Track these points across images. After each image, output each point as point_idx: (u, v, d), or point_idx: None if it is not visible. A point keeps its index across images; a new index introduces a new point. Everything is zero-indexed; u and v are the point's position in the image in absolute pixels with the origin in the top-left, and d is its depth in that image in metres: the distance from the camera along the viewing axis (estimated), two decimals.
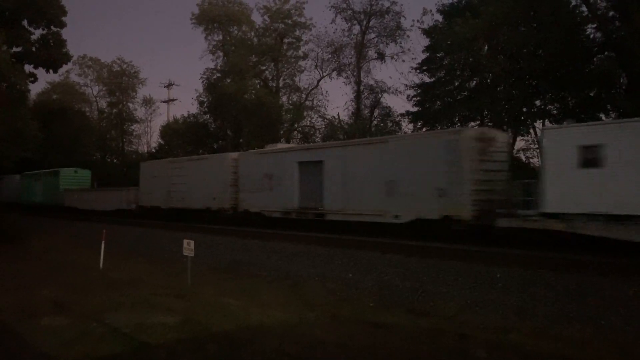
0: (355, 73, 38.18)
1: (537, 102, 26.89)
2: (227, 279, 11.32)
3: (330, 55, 39.30)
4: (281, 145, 24.61)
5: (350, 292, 9.84)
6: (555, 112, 26.40)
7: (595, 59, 24.26)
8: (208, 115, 44.66)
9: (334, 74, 39.69)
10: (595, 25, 23.87)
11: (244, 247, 16.18)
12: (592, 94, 24.38)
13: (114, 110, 57.92)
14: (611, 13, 23.27)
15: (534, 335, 6.75)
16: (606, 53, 23.90)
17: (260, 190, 21.29)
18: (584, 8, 24.00)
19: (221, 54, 43.56)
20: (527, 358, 6.01)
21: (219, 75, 42.39)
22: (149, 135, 61.66)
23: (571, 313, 7.87)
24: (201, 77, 43.93)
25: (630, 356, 6.04)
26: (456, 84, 31.18)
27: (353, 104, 38.34)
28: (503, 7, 23.96)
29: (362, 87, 38.11)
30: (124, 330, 7.11)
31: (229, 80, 39.36)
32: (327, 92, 60.18)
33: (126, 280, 10.90)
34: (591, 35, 24.48)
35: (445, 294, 9.41)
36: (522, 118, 27.57)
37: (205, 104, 43.98)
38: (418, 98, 33.32)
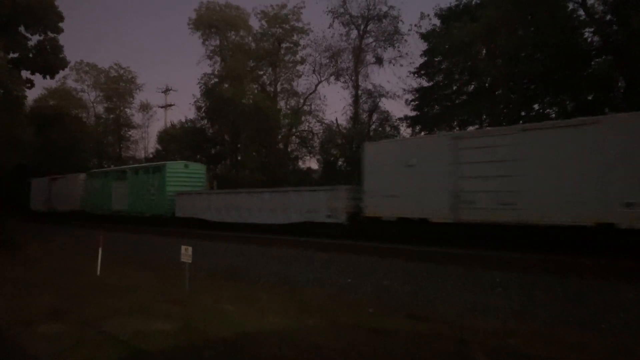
0: (353, 77, 38.24)
1: (536, 106, 26.99)
2: (226, 285, 11.26)
3: (328, 60, 39.38)
4: None
5: (349, 297, 9.78)
6: (553, 115, 26.45)
7: (593, 63, 24.32)
8: (205, 121, 44.67)
9: (332, 78, 39.78)
10: (592, 28, 23.96)
11: (243, 253, 16.13)
12: (590, 98, 24.42)
13: (111, 115, 57.94)
14: (608, 17, 23.37)
15: (534, 339, 6.70)
16: (604, 57, 23.96)
17: None
18: (582, 12, 24.09)
19: (219, 59, 43.68)
20: None
21: (216, 80, 42.42)
22: (146, 140, 61.68)
23: (571, 316, 7.84)
24: (199, 82, 43.98)
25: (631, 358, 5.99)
26: (454, 88, 31.29)
27: (351, 108, 38.40)
28: (500, 11, 24.04)
29: (360, 92, 38.16)
30: (122, 338, 7.04)
31: (226, 85, 39.40)
32: (325, 96, 60.34)
33: (124, 287, 10.82)
34: (589, 39, 24.57)
35: (444, 299, 9.36)
36: (521, 122, 27.62)
37: (202, 109, 44.00)
38: (416, 102, 33.41)
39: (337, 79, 39.39)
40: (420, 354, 6.35)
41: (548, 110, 26.75)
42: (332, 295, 9.92)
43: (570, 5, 24.44)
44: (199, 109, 44.51)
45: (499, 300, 9.05)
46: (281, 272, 12.79)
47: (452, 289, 10.04)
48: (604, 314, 7.92)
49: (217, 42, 43.96)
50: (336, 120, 39.88)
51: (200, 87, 43.68)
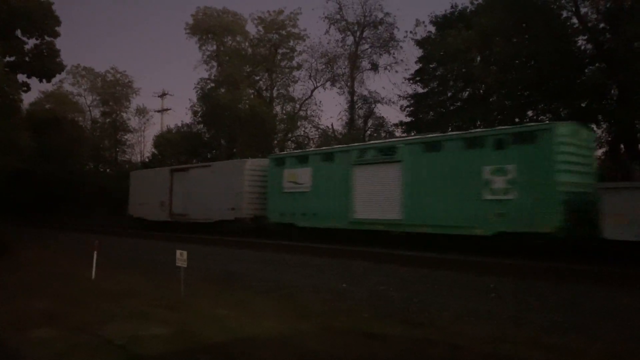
0: (348, 83, 38.50)
1: (530, 113, 27.17)
2: (221, 290, 11.26)
3: (324, 66, 39.70)
4: None
5: (344, 302, 9.81)
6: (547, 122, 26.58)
7: (586, 70, 24.54)
8: (202, 125, 44.70)
9: (328, 84, 40.12)
10: (586, 36, 24.17)
11: (238, 258, 16.15)
12: (583, 105, 24.62)
13: (108, 119, 57.88)
14: (602, 25, 23.59)
15: (528, 345, 6.74)
16: (597, 64, 24.17)
17: None
18: (575, 20, 24.32)
19: (215, 64, 43.81)
20: None
21: (212, 85, 42.50)
22: (142, 144, 61.55)
23: (566, 323, 7.89)
24: (195, 87, 44.06)
25: None
26: (449, 94, 31.49)
27: (347, 114, 38.59)
28: (495, 19, 24.23)
29: (355, 98, 38.42)
30: (117, 342, 7.04)
31: (223, 90, 39.47)
32: (320, 102, 60.55)
33: (119, 292, 10.81)
34: (582, 47, 24.80)
35: (439, 304, 9.40)
36: None
37: (199, 114, 44.03)
38: (411, 108, 33.59)
39: (333, 84, 39.71)
40: (414, 359, 6.39)
41: (542, 117, 26.94)
42: (327, 300, 9.95)
43: (564, 13, 24.70)
44: (195, 113, 44.56)
45: (493, 306, 9.10)
46: (277, 277, 12.81)
47: (446, 295, 10.09)
48: (598, 320, 7.98)
49: (214, 47, 44.12)
50: (332, 125, 40.13)
51: (196, 92, 43.78)
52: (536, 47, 23.75)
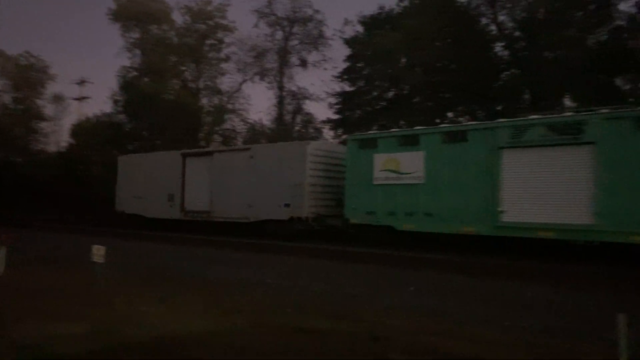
0: (277, 78, 38.47)
1: (450, 114, 28.38)
2: (145, 287, 10.97)
3: (252, 59, 39.35)
4: None
5: (271, 298, 9.87)
6: None
7: (502, 75, 25.97)
8: (123, 115, 43.03)
9: (257, 78, 39.78)
10: (503, 43, 25.59)
11: (163, 253, 15.82)
12: (499, 108, 26.06)
13: (20, 106, 54.35)
14: (517, 33, 25.06)
15: (448, 336, 7.10)
16: (512, 70, 25.67)
17: None
18: (494, 27, 25.68)
19: (139, 52, 42.23)
20: (441, 358, 6.31)
21: (136, 74, 40.99)
22: (58, 133, 58.26)
23: (481, 315, 8.38)
24: (117, 75, 42.26)
25: (535, 352, 6.51)
26: (375, 94, 32.19)
27: (275, 109, 38.54)
28: (421, 22, 25.10)
29: (284, 93, 38.41)
30: (29, 342, 6.69)
31: (146, 80, 38.22)
32: (249, 95, 60.13)
33: (33, 289, 10.25)
34: (499, 53, 26.24)
35: (362, 298, 9.69)
36: None
37: (120, 103, 42.37)
38: (339, 106, 34.05)
39: (262, 78, 39.52)
40: (336, 350, 6.55)
41: (460, 118, 28.24)
42: (254, 296, 9.96)
43: (484, 20, 26.01)
44: (115, 102, 42.80)
45: (413, 299, 9.51)
46: (202, 273, 12.68)
47: (370, 288, 10.43)
48: (507, 312, 8.53)
49: (138, 34, 42.48)
50: (260, 120, 39.91)
51: (118, 80, 42.06)
52: (458, 52, 24.84)
